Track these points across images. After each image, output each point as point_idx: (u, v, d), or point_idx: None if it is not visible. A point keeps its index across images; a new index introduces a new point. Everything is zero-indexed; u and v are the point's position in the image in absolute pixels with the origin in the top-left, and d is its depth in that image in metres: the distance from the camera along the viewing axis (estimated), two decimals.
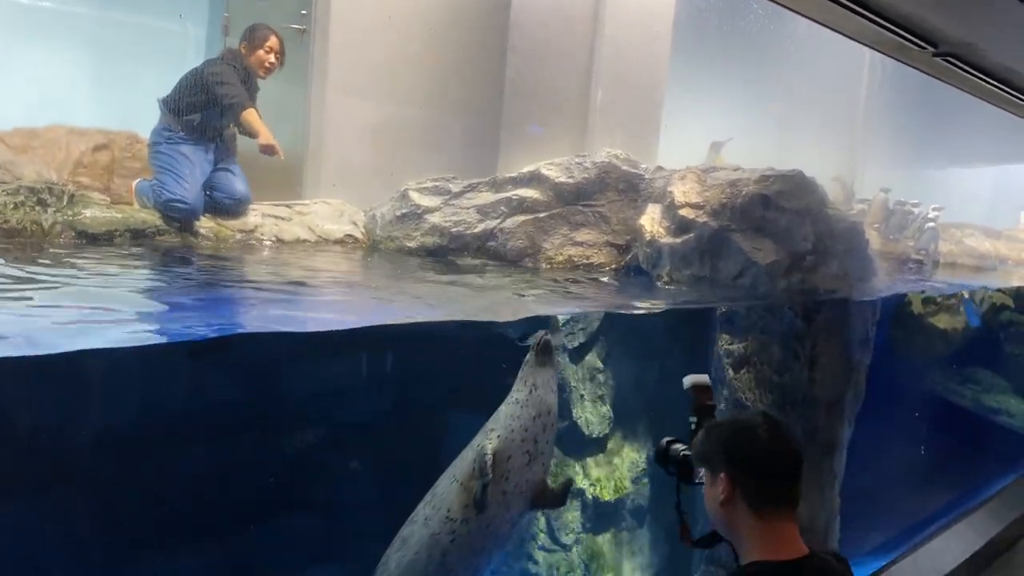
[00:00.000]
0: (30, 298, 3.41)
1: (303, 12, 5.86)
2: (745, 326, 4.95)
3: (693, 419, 2.77)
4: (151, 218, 4.94)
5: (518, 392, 4.04)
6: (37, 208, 4.62)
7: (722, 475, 2.36)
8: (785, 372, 5.04)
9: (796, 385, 5.08)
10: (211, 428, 4.60)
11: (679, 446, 2.81)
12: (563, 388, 4.74)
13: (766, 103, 7.77)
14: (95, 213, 4.75)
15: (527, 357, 4.03)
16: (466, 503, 3.83)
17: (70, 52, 6.18)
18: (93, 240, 4.66)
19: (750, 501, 2.32)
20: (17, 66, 5.92)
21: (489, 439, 3.90)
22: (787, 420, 5.05)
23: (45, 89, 5.94)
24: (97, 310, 3.48)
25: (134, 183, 5.24)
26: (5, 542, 3.82)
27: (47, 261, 4.25)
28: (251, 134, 5.29)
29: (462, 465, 3.98)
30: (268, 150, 5.23)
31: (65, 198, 4.73)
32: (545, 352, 3.98)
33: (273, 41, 5.42)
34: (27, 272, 3.99)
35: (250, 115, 5.22)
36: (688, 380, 2.93)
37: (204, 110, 5.18)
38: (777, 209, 5.18)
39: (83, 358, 3.69)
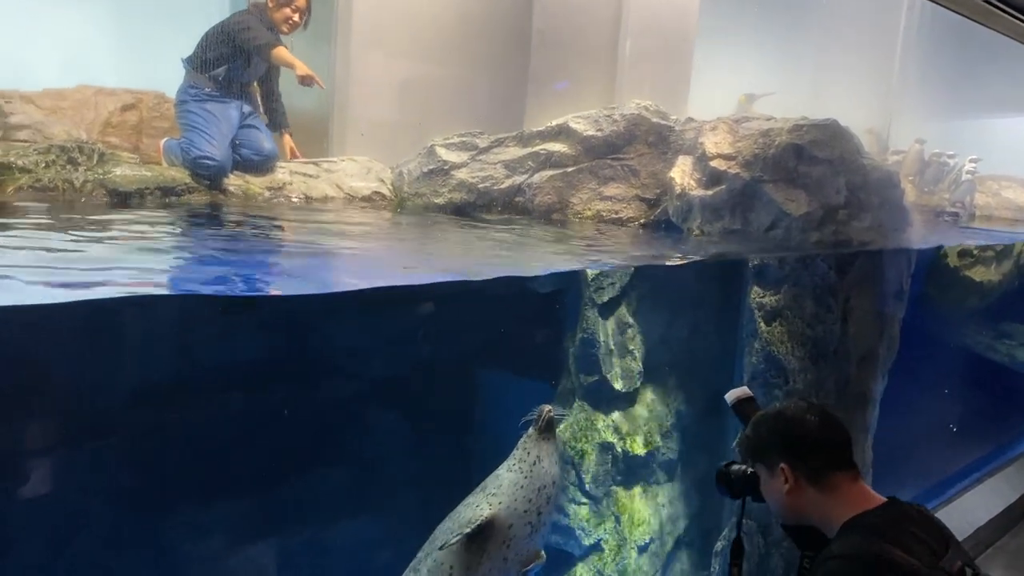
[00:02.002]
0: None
1: None
2: (777, 279, 4.89)
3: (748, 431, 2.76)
4: (180, 176, 4.96)
5: (521, 463, 3.99)
6: (68, 167, 4.66)
7: (781, 466, 2.43)
8: (818, 325, 4.98)
9: (829, 338, 5.03)
10: (248, 382, 4.66)
11: (737, 467, 2.82)
12: (592, 343, 4.73)
13: (799, 52, 7.58)
14: (125, 171, 4.77)
15: (529, 431, 4.00)
16: (468, 565, 3.81)
17: (97, 12, 6.16)
18: (124, 198, 4.69)
19: (816, 481, 2.40)
20: (45, 27, 5.92)
21: (490, 503, 3.86)
22: (819, 373, 5.02)
23: (73, 50, 5.94)
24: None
25: (162, 142, 5.25)
26: (45, 492, 3.92)
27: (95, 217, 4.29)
28: (288, 67, 5.26)
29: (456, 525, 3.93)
30: (307, 80, 5.19)
31: (95, 157, 4.75)
32: (548, 428, 3.96)
33: (300, 0, 5.37)
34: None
35: (280, 51, 5.19)
36: (731, 396, 2.94)
37: (230, 63, 5.16)
38: (810, 159, 5.08)
39: (120, 306, 3.74)
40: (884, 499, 2.42)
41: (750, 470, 2.74)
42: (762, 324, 4.89)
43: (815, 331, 4.98)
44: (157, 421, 4.19)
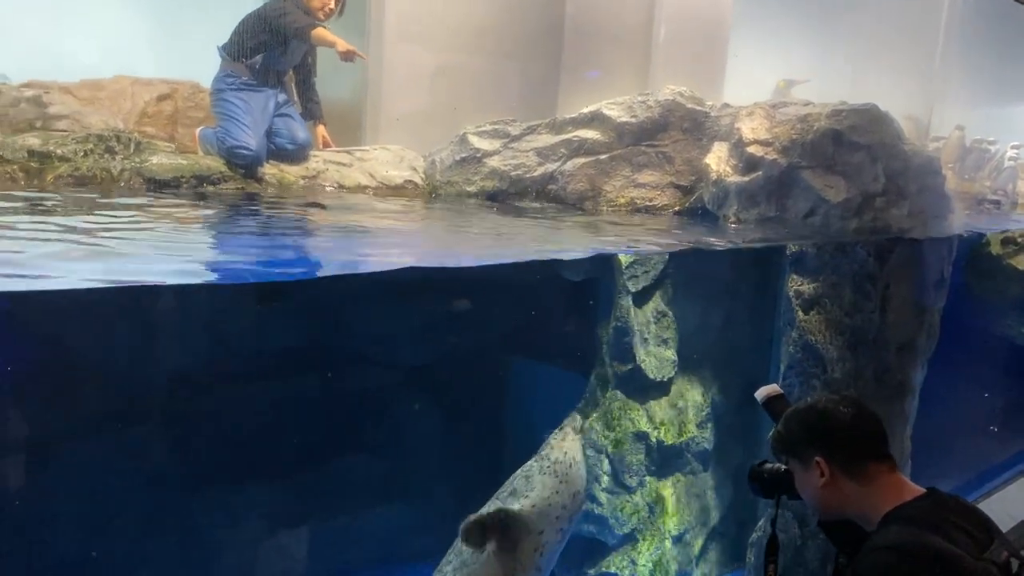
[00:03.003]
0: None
1: None
2: (815, 266, 4.81)
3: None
4: (216, 164, 4.99)
5: (557, 464, 3.94)
6: (106, 156, 4.71)
7: (816, 459, 2.41)
8: (856, 313, 4.90)
9: (867, 326, 4.94)
10: (281, 368, 4.70)
11: (770, 465, 2.79)
12: (626, 331, 4.69)
13: (838, 36, 7.44)
14: (161, 160, 4.81)
15: (566, 430, 3.95)
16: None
17: (134, 2, 6.23)
18: (160, 186, 4.73)
19: (853, 474, 2.37)
20: (82, 18, 5.99)
21: (521, 505, 3.82)
22: (857, 362, 4.93)
23: (110, 40, 6.01)
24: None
25: (198, 131, 5.29)
26: (82, 474, 3.98)
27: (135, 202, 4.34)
28: (330, 45, 5.26)
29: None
30: (349, 56, 5.19)
31: (132, 145, 4.80)
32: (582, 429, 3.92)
33: None
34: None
35: (320, 32, 5.20)
36: (761, 394, 2.91)
37: (266, 50, 5.17)
38: (849, 145, 4.99)
39: (157, 292, 3.79)
40: (923, 490, 2.36)
41: (783, 468, 2.70)
42: (800, 313, 4.81)
43: (853, 320, 4.89)
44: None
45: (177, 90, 5.92)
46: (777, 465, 2.75)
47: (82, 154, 4.63)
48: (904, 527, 2.22)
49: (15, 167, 4.50)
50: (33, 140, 4.63)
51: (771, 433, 2.71)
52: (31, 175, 4.53)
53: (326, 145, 5.71)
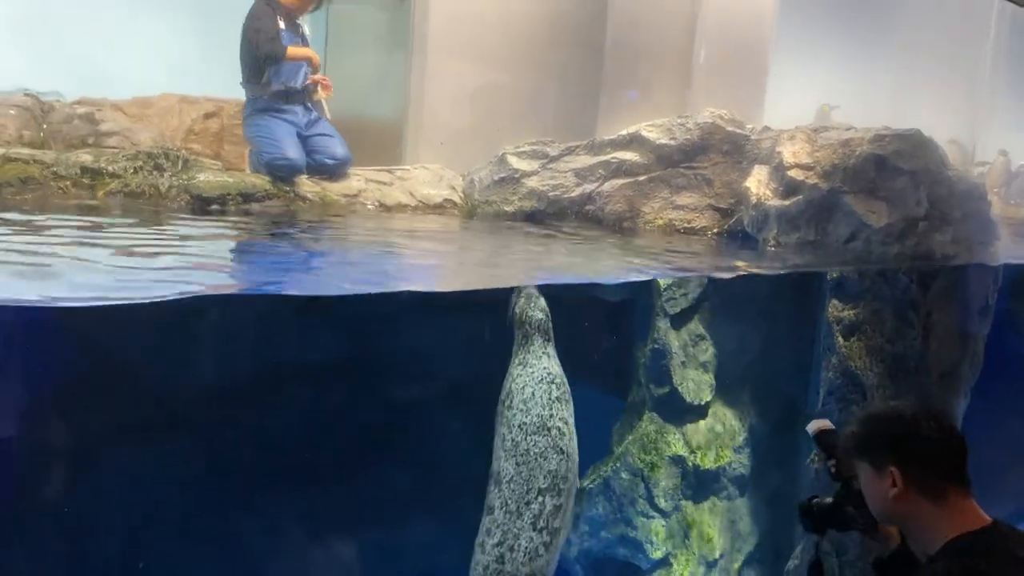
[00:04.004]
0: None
1: None
2: (857, 292, 4.76)
3: (832, 462, 2.67)
4: (261, 182, 5.08)
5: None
6: (154, 172, 4.82)
7: (891, 468, 2.30)
8: (898, 340, 4.84)
9: (909, 354, 4.87)
10: (316, 381, 4.74)
11: (819, 500, 2.74)
12: (663, 354, 4.68)
13: (881, 60, 7.38)
14: (208, 177, 4.91)
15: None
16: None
17: (182, 23, 6.39)
18: (206, 203, 4.83)
19: (926, 490, 2.27)
20: (134, 37, 6.16)
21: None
22: (898, 390, 4.87)
23: (159, 59, 6.17)
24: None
25: (247, 151, 5.41)
26: (121, 483, 4.05)
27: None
28: (305, 60, 5.36)
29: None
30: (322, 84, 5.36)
31: (180, 163, 4.91)
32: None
33: None
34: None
35: (292, 52, 5.28)
36: (812, 427, 2.84)
37: (267, 70, 5.27)
38: (892, 170, 4.95)
39: (196, 304, 3.85)
40: (989, 520, 2.27)
41: (833, 501, 2.64)
42: (840, 338, 4.76)
43: (895, 347, 4.83)
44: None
45: (223, 108, 6.06)
46: (827, 500, 2.69)
47: (132, 171, 4.75)
48: (969, 558, 2.17)
49: (68, 183, 4.62)
50: (86, 157, 4.76)
51: (843, 432, 2.63)
52: (83, 190, 4.65)
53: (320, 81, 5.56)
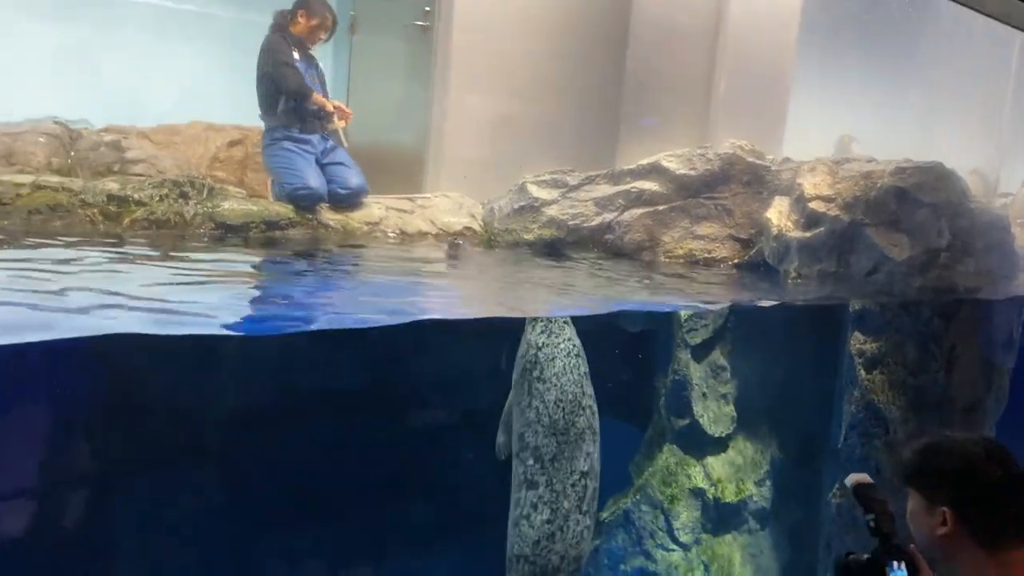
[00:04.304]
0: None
1: (427, 9, 5.95)
2: (879, 325, 4.74)
3: (871, 516, 2.60)
4: (284, 211, 5.12)
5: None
6: (180, 200, 4.87)
7: (944, 509, 2.17)
8: (921, 373, 4.80)
9: (932, 387, 4.84)
10: (339, 412, 4.76)
11: (854, 555, 2.68)
12: (684, 385, 4.66)
13: (904, 92, 7.38)
14: (232, 205, 4.96)
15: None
16: None
17: (209, 52, 6.49)
18: (230, 231, 4.87)
19: (981, 539, 2.13)
20: (162, 66, 6.26)
21: None
22: (921, 423, 4.82)
23: (186, 87, 6.26)
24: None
25: (270, 180, 5.46)
26: (148, 511, 4.07)
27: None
28: (322, 106, 5.44)
29: None
30: (339, 112, 5.44)
31: (205, 191, 4.96)
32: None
33: (328, 21, 5.50)
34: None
35: (316, 98, 5.38)
36: (851, 480, 2.77)
37: (282, 99, 5.34)
38: (914, 203, 4.93)
39: (223, 341, 3.88)
40: None
41: (867, 556, 2.55)
42: (862, 371, 4.73)
43: (918, 380, 4.79)
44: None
45: (248, 136, 6.13)
46: (864, 555, 2.63)
47: (158, 199, 4.80)
48: None
49: (95, 210, 4.68)
50: (112, 185, 4.82)
51: (903, 455, 2.53)
52: (109, 218, 4.71)
53: (337, 108, 5.62)
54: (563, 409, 3.98)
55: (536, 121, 6.16)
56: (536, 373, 4.08)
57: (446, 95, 6.00)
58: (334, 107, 5.45)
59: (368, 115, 5.81)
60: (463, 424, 5.22)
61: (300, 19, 5.45)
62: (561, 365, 4.06)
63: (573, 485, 3.97)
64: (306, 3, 5.46)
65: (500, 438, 4.35)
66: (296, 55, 5.38)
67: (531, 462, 4.03)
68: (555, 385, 4.02)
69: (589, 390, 4.11)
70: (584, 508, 3.98)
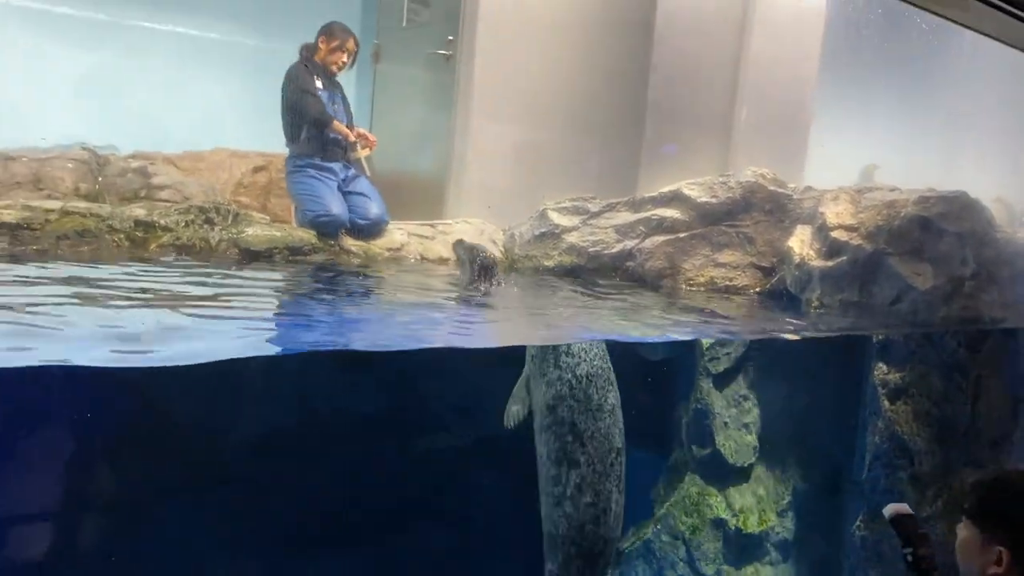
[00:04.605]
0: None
1: (450, 38, 6.01)
2: (903, 355, 4.71)
3: (909, 550, 2.56)
4: (307, 236, 5.16)
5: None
6: (205, 226, 4.92)
7: (1000, 549, 2.12)
8: (946, 404, 4.76)
9: (958, 419, 4.79)
10: (355, 437, 4.76)
11: None
12: (706, 414, 4.63)
13: (926, 120, 7.37)
14: (256, 231, 5.00)
15: None
16: None
17: (233, 79, 6.58)
18: (254, 257, 4.91)
19: None
20: (188, 93, 6.35)
21: None
22: (947, 455, 4.77)
23: (211, 114, 6.34)
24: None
25: (293, 206, 5.51)
26: (163, 537, 4.07)
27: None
28: (344, 135, 5.51)
29: None
30: (361, 139, 5.51)
31: (230, 217, 5.01)
32: None
33: (351, 45, 5.56)
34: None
35: (336, 126, 5.45)
36: (889, 511, 2.73)
37: (305, 128, 5.40)
38: (938, 232, 4.91)
39: (237, 366, 3.90)
40: None
41: None
42: (886, 402, 4.70)
43: (943, 411, 4.75)
44: None
45: (272, 162, 6.20)
46: None
47: (184, 224, 4.85)
48: None
49: (122, 236, 4.74)
50: (139, 211, 4.87)
51: (965, 484, 2.46)
52: (136, 244, 4.76)
53: (360, 136, 5.69)
54: (595, 384, 4.01)
55: (557, 148, 6.20)
56: (563, 347, 4.11)
57: (468, 122, 6.05)
58: (357, 135, 5.51)
59: (391, 142, 5.87)
60: (491, 450, 5.20)
61: (321, 45, 5.52)
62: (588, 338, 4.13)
63: (611, 464, 4.01)
64: (326, 28, 5.54)
65: (512, 407, 4.30)
66: (320, 84, 5.45)
67: (570, 438, 4.03)
68: (584, 360, 4.06)
69: (610, 365, 4.15)
70: (621, 487, 4.04)
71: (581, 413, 4.01)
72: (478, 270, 4.76)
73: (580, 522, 3.94)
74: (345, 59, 5.56)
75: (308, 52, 5.53)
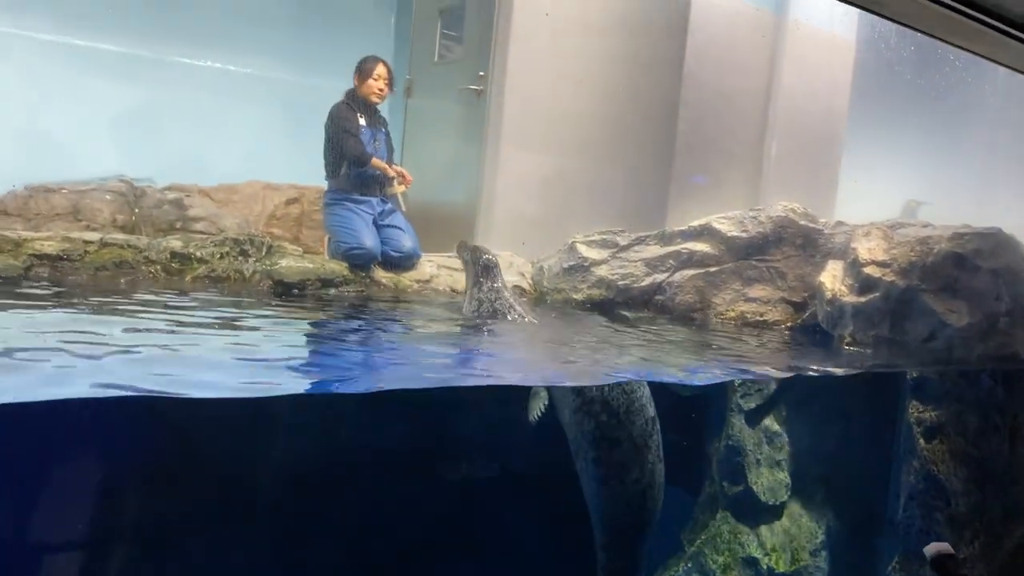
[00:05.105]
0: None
1: (480, 74, 6.09)
2: (938, 393, 4.64)
3: None
4: (339, 268, 5.22)
5: None
6: (240, 258, 5.00)
7: None
8: (983, 444, 4.67)
9: (995, 459, 4.70)
10: (384, 473, 4.76)
11: None
12: (737, 451, 4.59)
13: (961, 155, 7.33)
14: (290, 263, 5.06)
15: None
16: None
17: (268, 113, 6.71)
18: (287, 288, 4.97)
19: None
20: (225, 126, 6.48)
21: None
22: (984, 496, 4.68)
23: (247, 147, 6.46)
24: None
25: (326, 238, 5.58)
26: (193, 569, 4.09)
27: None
28: (383, 171, 5.60)
29: None
30: (400, 178, 5.61)
31: (264, 248, 5.09)
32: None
33: (380, 69, 5.64)
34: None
35: (376, 163, 5.54)
36: (930, 550, 2.70)
37: (345, 164, 5.50)
38: (972, 269, 4.86)
39: (269, 403, 3.92)
40: None
41: None
42: (921, 441, 4.63)
43: (980, 451, 4.66)
44: None
45: (304, 194, 6.29)
46: None
47: (219, 256, 4.93)
48: None
49: (158, 267, 4.82)
50: (175, 243, 4.96)
51: None
52: (172, 275, 4.84)
53: (399, 173, 5.76)
54: None
55: (586, 181, 6.24)
56: None
57: (498, 156, 6.11)
58: (396, 172, 5.60)
59: (421, 175, 5.94)
60: (526, 486, 5.19)
61: (356, 81, 5.63)
62: None
63: (651, 435, 4.08)
64: (359, 64, 5.66)
65: (534, 402, 4.28)
66: (363, 120, 5.55)
67: (604, 417, 4.07)
68: None
69: None
70: (661, 455, 4.11)
71: (611, 389, 4.05)
72: (481, 270, 4.88)
73: (627, 498, 4.02)
74: (381, 85, 5.66)
75: (351, 90, 5.65)
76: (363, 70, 5.61)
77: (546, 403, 4.16)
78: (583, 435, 4.16)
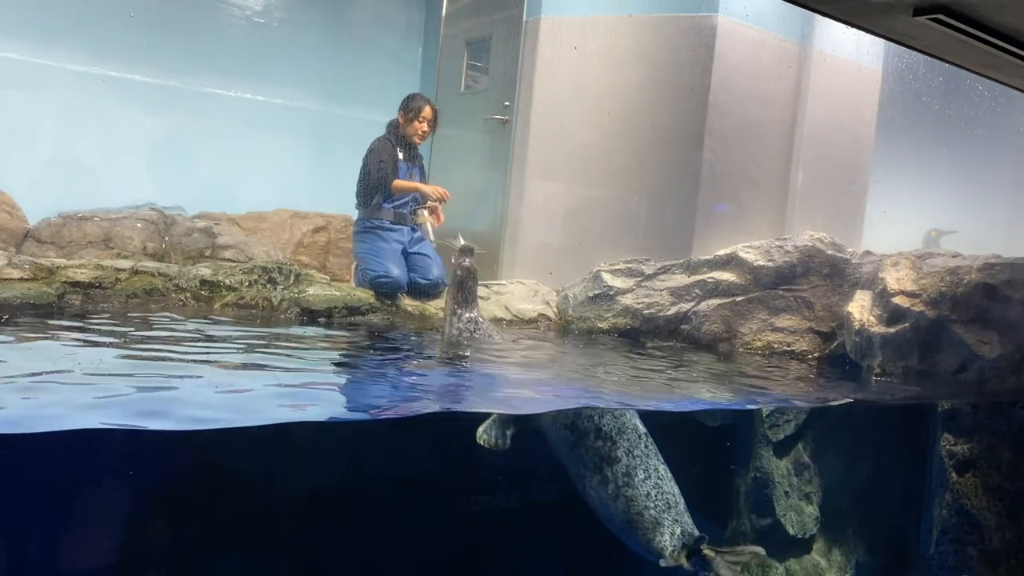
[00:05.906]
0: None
1: (506, 104, 6.16)
2: (970, 426, 4.57)
3: None
4: (365, 296, 5.26)
5: None
6: (268, 286, 5.05)
7: None
8: (1018, 479, 4.58)
9: None
10: (407, 499, 4.74)
11: None
12: (766, 483, 4.54)
13: (991, 185, 7.28)
14: (317, 291, 5.11)
15: None
16: None
17: (296, 143, 6.80)
18: (314, 316, 5.01)
19: None
20: (254, 156, 6.58)
21: None
22: (1019, 531, 4.58)
23: (275, 176, 6.55)
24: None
25: (354, 266, 5.63)
26: None
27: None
28: (413, 191, 5.68)
29: None
30: (436, 194, 5.66)
31: (292, 276, 5.14)
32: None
33: (427, 111, 5.71)
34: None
35: (398, 184, 5.62)
36: None
37: (378, 194, 5.57)
38: (1004, 300, 4.80)
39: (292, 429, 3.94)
40: None
41: None
42: (954, 474, 4.55)
43: (1015, 485, 4.57)
44: None
45: (331, 223, 6.36)
46: None
47: (247, 284, 4.99)
48: None
49: (188, 295, 4.88)
50: (205, 270, 5.03)
51: None
52: (201, 302, 4.90)
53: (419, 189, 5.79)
54: None
55: (612, 211, 6.25)
56: None
57: (523, 185, 6.15)
58: (440, 193, 5.65)
59: (447, 204, 5.98)
60: (534, 516, 5.15)
61: (400, 118, 5.71)
62: None
63: (646, 444, 4.17)
64: (404, 101, 5.75)
65: (484, 431, 4.26)
66: (401, 155, 5.65)
67: (600, 443, 4.15)
68: None
69: None
70: (661, 459, 4.18)
71: (600, 416, 4.16)
72: (458, 253, 4.97)
73: (646, 491, 4.08)
74: (425, 128, 5.75)
75: (393, 125, 5.73)
76: (411, 109, 5.69)
77: (502, 437, 4.20)
78: (584, 465, 4.21)
